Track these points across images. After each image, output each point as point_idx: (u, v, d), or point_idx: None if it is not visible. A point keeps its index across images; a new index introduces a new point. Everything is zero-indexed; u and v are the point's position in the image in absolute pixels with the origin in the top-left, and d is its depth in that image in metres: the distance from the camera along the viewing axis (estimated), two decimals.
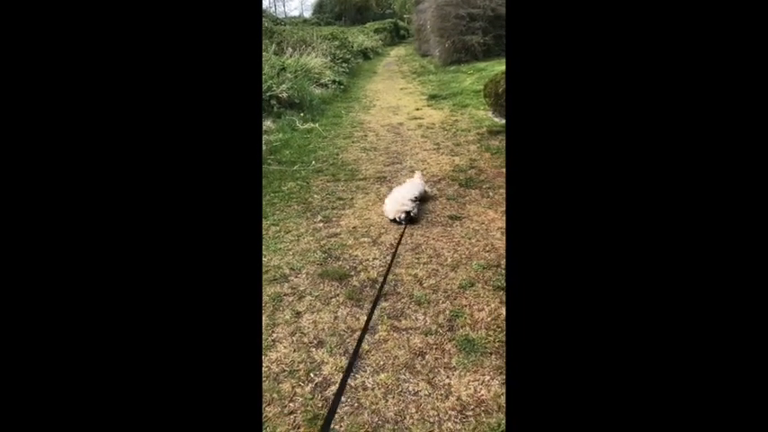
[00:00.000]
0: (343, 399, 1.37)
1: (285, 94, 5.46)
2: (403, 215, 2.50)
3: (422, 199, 2.73)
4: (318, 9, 33.78)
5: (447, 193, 2.97)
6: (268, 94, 5.25)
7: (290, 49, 8.16)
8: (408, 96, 7.12)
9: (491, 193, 2.94)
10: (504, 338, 1.59)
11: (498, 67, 7.02)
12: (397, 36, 22.17)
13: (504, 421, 1.26)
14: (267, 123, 4.80)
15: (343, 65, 9.50)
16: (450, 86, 7.35)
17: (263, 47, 7.82)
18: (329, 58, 9.07)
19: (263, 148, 4.04)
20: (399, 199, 2.56)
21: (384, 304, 1.83)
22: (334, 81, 7.71)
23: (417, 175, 2.97)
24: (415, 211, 2.55)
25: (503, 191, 2.95)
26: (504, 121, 4.50)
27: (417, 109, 5.98)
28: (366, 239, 2.40)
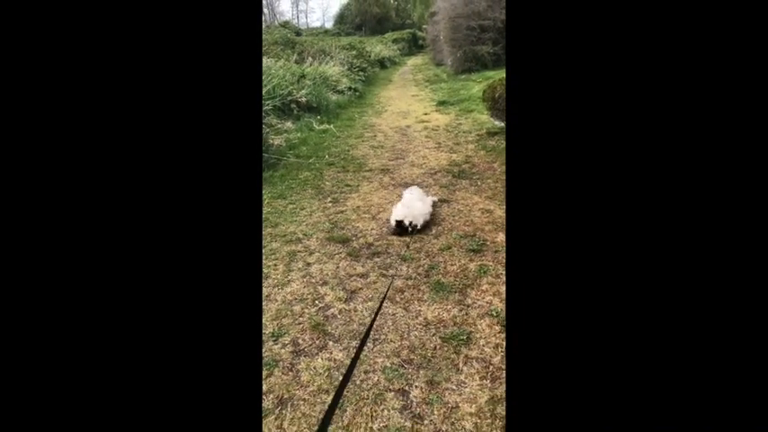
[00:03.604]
0: (338, 316, 1.84)
1: (304, 99, 6.03)
2: (410, 227, 2.53)
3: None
4: (339, 20, 34.83)
5: (441, 182, 3.42)
6: (288, 98, 5.82)
7: (310, 59, 8.78)
8: (419, 103, 7.61)
9: (479, 183, 3.38)
10: (467, 283, 2.03)
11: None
12: (415, 46, 22.77)
13: (456, 331, 1.70)
14: (287, 124, 5.35)
15: (360, 73, 10.07)
16: (459, 93, 7.81)
17: (286, 56, 8.46)
18: (346, 66, 9.66)
19: (283, 144, 4.57)
20: (412, 210, 2.55)
21: (376, 260, 2.29)
22: (350, 88, 8.27)
23: (415, 189, 2.87)
24: (422, 223, 2.59)
25: (490, 181, 3.39)
26: (501, 124, 4.92)
27: (426, 114, 6.45)
28: (367, 215, 2.87)
